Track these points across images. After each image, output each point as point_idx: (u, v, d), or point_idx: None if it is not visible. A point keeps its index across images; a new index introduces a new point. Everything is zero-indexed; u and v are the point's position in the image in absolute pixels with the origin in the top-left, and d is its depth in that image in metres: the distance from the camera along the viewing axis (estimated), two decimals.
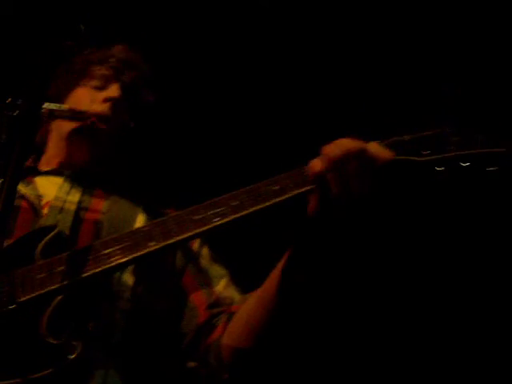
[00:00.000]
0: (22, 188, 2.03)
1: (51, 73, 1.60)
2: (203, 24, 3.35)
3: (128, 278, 1.88)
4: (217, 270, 2.08)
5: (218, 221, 1.62)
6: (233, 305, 1.97)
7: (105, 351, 1.77)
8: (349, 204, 1.59)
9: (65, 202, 2.03)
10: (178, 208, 2.16)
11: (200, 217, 1.64)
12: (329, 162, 1.57)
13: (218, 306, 1.98)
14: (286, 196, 1.64)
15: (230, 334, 1.86)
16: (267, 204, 1.62)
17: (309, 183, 1.62)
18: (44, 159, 2.24)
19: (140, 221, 2.06)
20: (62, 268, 1.64)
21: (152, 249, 1.62)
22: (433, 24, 3.15)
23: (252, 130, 3.41)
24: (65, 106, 2.09)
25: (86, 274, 1.62)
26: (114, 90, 2.18)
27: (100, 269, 1.62)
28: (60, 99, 2.17)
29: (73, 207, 2.01)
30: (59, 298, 1.60)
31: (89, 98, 2.17)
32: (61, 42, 1.60)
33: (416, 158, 1.67)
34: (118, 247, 1.65)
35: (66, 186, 2.09)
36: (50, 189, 2.08)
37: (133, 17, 3.26)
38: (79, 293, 1.67)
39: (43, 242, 1.77)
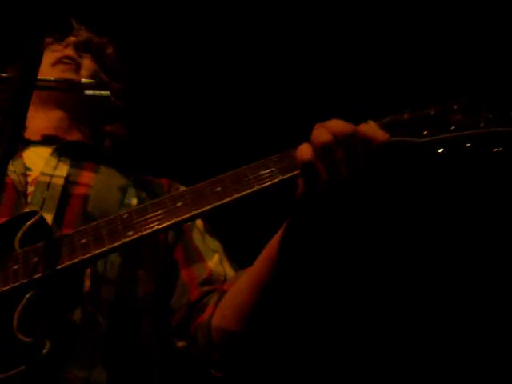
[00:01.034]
0: None
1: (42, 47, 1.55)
2: (203, 23, 3.28)
3: (114, 259, 1.82)
4: (210, 244, 2.02)
5: (199, 210, 1.51)
6: (226, 282, 1.91)
7: (89, 343, 1.71)
8: (338, 187, 1.49)
9: (52, 176, 1.96)
10: (170, 178, 2.15)
11: (181, 204, 1.54)
12: (317, 149, 1.45)
13: (209, 283, 1.92)
14: (273, 182, 1.53)
15: (220, 315, 1.79)
16: (251, 190, 1.51)
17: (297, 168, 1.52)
18: (29, 130, 2.18)
19: (131, 195, 2.01)
20: (37, 259, 1.55)
21: (129, 239, 1.52)
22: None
23: (245, 107, 3.35)
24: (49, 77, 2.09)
25: (60, 266, 1.53)
26: (68, 50, 2.22)
27: (74, 260, 1.52)
28: None
29: (60, 182, 1.95)
30: (32, 291, 1.52)
31: (47, 62, 2.17)
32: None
33: (415, 139, 1.54)
34: (93, 236, 1.55)
35: (53, 159, 2.03)
36: (37, 161, 2.03)
37: (133, 16, 3.19)
38: (56, 284, 1.57)
39: (22, 230, 1.68)
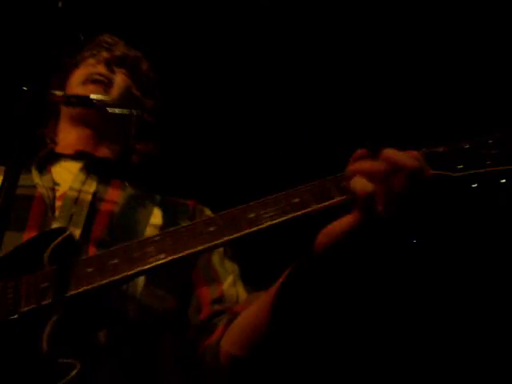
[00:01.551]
0: (36, 178, 2.01)
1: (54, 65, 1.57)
2: (203, 23, 3.29)
3: (138, 278, 1.80)
4: (227, 266, 2.03)
5: (223, 240, 1.51)
6: (238, 304, 1.91)
7: (111, 364, 1.71)
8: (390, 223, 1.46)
9: (80, 192, 1.99)
10: (198, 200, 2.15)
11: (212, 229, 1.53)
12: (378, 181, 1.44)
13: (221, 302, 1.93)
14: (309, 210, 1.52)
15: (229, 339, 1.79)
16: (284, 218, 1.50)
17: (336, 198, 1.50)
18: (61, 144, 2.23)
19: (156, 215, 2.02)
20: (66, 277, 1.55)
21: (160, 262, 1.52)
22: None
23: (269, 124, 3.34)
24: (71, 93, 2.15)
25: (90, 287, 1.52)
26: (100, 66, 2.24)
27: (105, 281, 1.52)
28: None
29: (88, 197, 1.97)
30: (61, 310, 1.52)
31: (78, 80, 2.21)
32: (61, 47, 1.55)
33: (449, 173, 1.53)
34: (124, 258, 1.55)
35: (82, 175, 2.05)
36: (66, 176, 2.06)
37: (133, 17, 3.20)
38: (84, 304, 1.58)
39: (51, 247, 1.68)
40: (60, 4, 1.53)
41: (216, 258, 2.04)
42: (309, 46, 3.33)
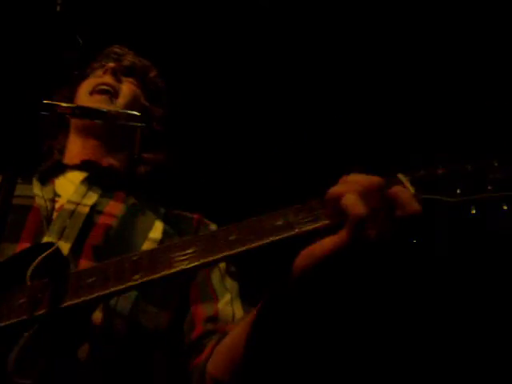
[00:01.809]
0: (36, 189, 2.00)
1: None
2: (203, 23, 3.25)
3: (130, 293, 1.77)
4: (226, 284, 1.98)
5: (209, 258, 1.44)
6: (232, 323, 1.85)
7: (97, 378, 1.68)
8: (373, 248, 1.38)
9: (78, 205, 1.96)
10: (204, 214, 2.09)
11: (181, 258, 1.47)
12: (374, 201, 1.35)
13: (214, 321, 1.87)
14: (293, 233, 1.43)
15: (214, 362, 1.73)
16: (268, 241, 1.42)
17: (322, 222, 1.42)
18: (67, 155, 2.23)
19: (156, 229, 1.99)
20: (42, 295, 1.51)
21: (134, 283, 1.46)
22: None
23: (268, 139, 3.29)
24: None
25: (63, 305, 1.47)
26: (106, 76, 2.23)
27: (78, 300, 1.47)
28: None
29: (85, 210, 1.95)
30: (33, 328, 1.47)
31: (85, 91, 2.21)
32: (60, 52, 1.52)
33: (447, 199, 1.43)
34: (100, 276, 1.50)
35: (83, 188, 2.03)
36: (67, 188, 2.04)
37: (132, 20, 3.19)
38: (60, 321, 1.53)
39: (35, 262, 1.64)
40: (58, 8, 1.50)
41: (216, 274, 1.99)
42: (308, 47, 3.27)
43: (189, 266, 1.45)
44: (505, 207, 1.43)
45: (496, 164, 1.47)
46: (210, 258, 1.44)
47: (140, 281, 1.45)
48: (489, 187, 1.43)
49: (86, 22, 1.54)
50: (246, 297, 1.98)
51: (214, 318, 1.88)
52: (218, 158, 3.31)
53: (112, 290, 1.46)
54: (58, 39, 1.51)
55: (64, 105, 2.11)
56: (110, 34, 2.38)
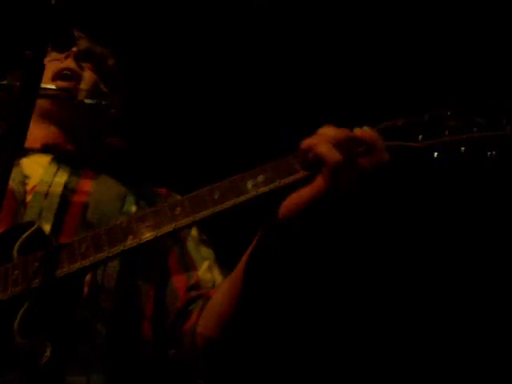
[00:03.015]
0: None
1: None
2: (203, 24, 3.30)
3: (113, 268, 1.82)
4: (202, 252, 2.03)
5: (198, 216, 1.52)
6: (214, 288, 1.91)
7: (88, 349, 1.71)
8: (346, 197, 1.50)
9: (51, 185, 1.98)
10: (169, 188, 2.15)
11: (179, 210, 1.54)
12: (345, 150, 1.46)
13: (197, 288, 1.93)
14: (272, 187, 1.53)
15: (203, 322, 1.80)
16: (249, 196, 1.52)
17: (299, 173, 1.52)
18: (28, 138, 2.15)
19: (130, 203, 2.03)
20: (36, 266, 1.56)
21: (129, 246, 1.52)
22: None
23: (240, 113, 3.36)
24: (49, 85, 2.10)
25: (59, 273, 1.53)
26: (68, 61, 2.20)
27: (74, 267, 1.53)
28: None
29: (59, 190, 1.97)
30: (32, 298, 1.52)
31: (47, 75, 2.14)
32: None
33: (410, 144, 1.57)
34: (93, 243, 1.56)
35: (53, 167, 2.05)
36: (36, 169, 2.04)
37: (129, 14, 3.21)
38: (56, 291, 1.58)
39: (20, 240, 1.68)
40: (53, 1, 1.53)
41: (191, 244, 2.04)
42: (308, 47, 3.35)
43: (179, 225, 1.53)
44: (462, 149, 1.58)
45: (449, 112, 1.62)
46: (199, 215, 1.52)
47: (134, 242, 1.52)
48: (445, 132, 1.58)
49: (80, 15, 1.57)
50: (221, 263, 2.07)
51: (196, 286, 1.93)
52: (178, 133, 3.35)
53: (108, 253, 1.52)
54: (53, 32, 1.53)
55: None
56: (104, 26, 2.38)
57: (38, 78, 1.47)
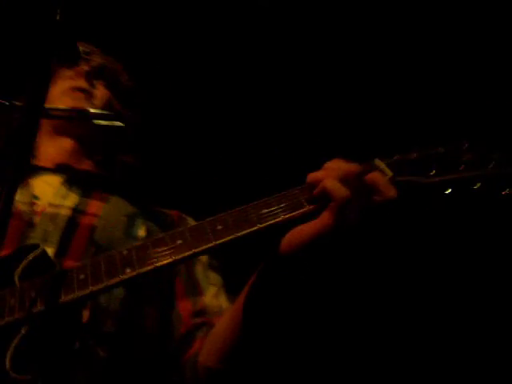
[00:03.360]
0: None
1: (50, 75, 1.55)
2: (203, 24, 3.26)
3: (118, 292, 1.79)
4: (210, 278, 2.00)
5: (198, 248, 1.48)
6: (219, 315, 1.87)
7: (88, 374, 1.68)
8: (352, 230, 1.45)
9: (59, 207, 1.96)
10: (181, 210, 2.12)
11: (181, 242, 1.50)
12: (353, 185, 1.43)
13: (202, 314, 1.90)
14: (280, 220, 1.49)
15: (205, 352, 1.76)
16: (252, 229, 1.47)
17: (305, 207, 1.48)
18: (40, 157, 2.19)
19: (139, 227, 2.00)
20: (34, 294, 1.53)
21: (127, 277, 1.49)
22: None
23: (250, 134, 3.32)
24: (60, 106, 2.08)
25: (56, 302, 1.50)
26: (80, 80, 2.19)
27: (71, 297, 1.49)
28: None
29: (67, 213, 1.94)
30: (27, 326, 1.49)
31: (58, 91, 2.16)
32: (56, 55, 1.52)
33: (423, 179, 1.51)
34: (91, 272, 1.52)
35: (63, 189, 2.03)
36: (46, 190, 2.03)
37: (132, 28, 3.20)
38: (52, 319, 1.55)
39: (23, 264, 1.66)
40: (58, 17, 1.51)
41: (199, 269, 2.01)
42: (308, 48, 3.31)
43: (178, 257, 1.49)
44: (477, 186, 1.51)
45: (466, 146, 1.56)
46: (200, 248, 1.48)
47: (132, 274, 1.49)
48: (460, 168, 1.51)
49: (85, 31, 1.55)
50: (229, 290, 2.03)
51: (201, 312, 1.90)
52: (191, 155, 3.33)
53: (105, 284, 1.49)
54: (57, 48, 1.52)
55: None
56: (108, 42, 2.36)
57: (43, 96, 1.44)
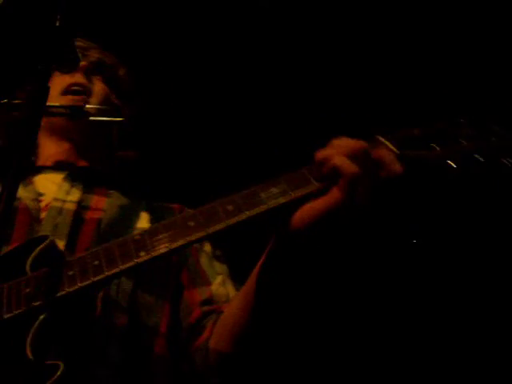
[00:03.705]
0: (19, 190, 1.96)
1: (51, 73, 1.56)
2: (203, 24, 3.29)
3: (126, 286, 1.81)
4: (215, 267, 2.01)
5: (211, 229, 1.50)
6: (227, 302, 1.89)
7: (101, 367, 1.69)
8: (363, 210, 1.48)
9: (64, 202, 1.97)
10: (182, 203, 2.13)
11: (193, 224, 1.53)
12: (361, 162, 1.44)
13: (210, 303, 1.91)
14: (286, 200, 1.51)
15: (216, 338, 1.77)
16: (264, 209, 1.50)
17: (314, 185, 1.50)
18: (40, 156, 2.21)
19: (143, 219, 2.01)
20: (48, 282, 1.54)
21: (141, 260, 1.51)
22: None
23: (251, 127, 3.34)
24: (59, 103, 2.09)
25: (72, 289, 1.51)
26: (78, 76, 2.19)
27: (86, 282, 1.51)
28: None
29: (73, 207, 1.96)
30: (45, 313, 1.50)
31: (56, 90, 2.15)
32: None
33: (425, 153, 1.54)
34: (105, 258, 1.54)
35: (66, 184, 2.04)
36: (49, 187, 2.04)
37: (134, 16, 3.20)
38: (69, 306, 1.56)
39: (33, 254, 1.67)
40: (58, 23, 1.52)
41: (204, 259, 2.02)
42: (308, 48, 3.34)
43: (194, 237, 1.51)
44: (477, 157, 1.55)
45: (463, 120, 1.60)
46: (213, 228, 1.50)
47: (147, 257, 1.50)
48: (462, 141, 1.56)
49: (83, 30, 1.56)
50: (235, 278, 2.05)
51: (209, 301, 1.91)
52: (191, 150, 3.35)
53: (120, 268, 1.51)
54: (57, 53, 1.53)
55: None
56: (107, 39, 2.37)
57: (44, 100, 1.46)
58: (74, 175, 2.08)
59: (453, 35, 2.95)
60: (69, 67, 2.22)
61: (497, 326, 3.35)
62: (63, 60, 2.00)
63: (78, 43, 2.27)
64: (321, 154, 1.50)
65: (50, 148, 2.20)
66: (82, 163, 2.20)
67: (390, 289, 3.47)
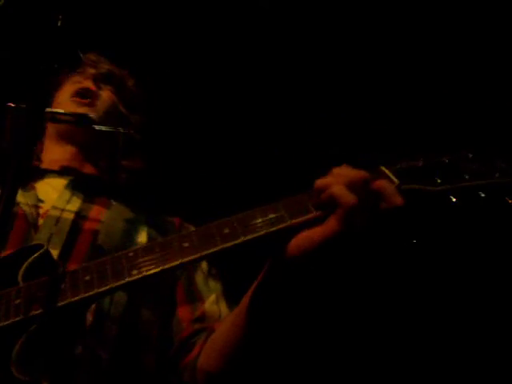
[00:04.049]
0: (19, 195, 1.96)
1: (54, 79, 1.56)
2: (203, 25, 3.27)
3: (120, 298, 1.80)
4: (210, 285, 2.01)
5: (205, 252, 1.48)
6: (219, 320, 1.89)
7: (90, 378, 1.69)
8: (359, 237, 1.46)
9: (63, 211, 1.97)
10: (182, 217, 2.12)
11: (187, 245, 1.51)
12: (360, 192, 1.43)
13: (202, 320, 1.91)
14: (282, 226, 1.49)
15: (205, 357, 1.77)
16: (258, 234, 1.48)
17: (312, 213, 1.48)
18: (46, 160, 2.23)
19: (142, 233, 2.00)
20: (39, 294, 1.53)
21: (133, 279, 1.49)
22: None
23: (254, 140, 3.33)
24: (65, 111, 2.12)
25: (62, 303, 1.50)
26: (87, 82, 2.24)
27: (76, 298, 1.49)
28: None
29: (70, 216, 1.96)
30: (33, 326, 1.49)
31: (65, 96, 2.22)
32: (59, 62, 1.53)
33: (429, 188, 1.52)
34: (97, 274, 1.52)
35: (67, 193, 2.05)
36: (50, 194, 2.05)
37: (134, 18, 3.20)
38: (57, 319, 1.55)
39: (26, 263, 1.66)
40: (59, 23, 1.52)
41: (199, 276, 2.03)
42: (308, 49, 3.32)
43: (185, 260, 1.49)
44: (481, 194, 1.52)
45: (470, 155, 1.57)
46: (207, 251, 1.48)
47: (138, 276, 1.49)
48: (465, 176, 1.52)
49: (86, 37, 1.56)
50: (228, 297, 2.04)
51: (201, 319, 1.91)
52: (195, 161, 3.34)
53: (110, 286, 1.49)
54: (59, 53, 1.53)
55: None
56: (109, 48, 2.37)
57: (45, 101, 1.45)
58: (76, 182, 2.09)
59: (467, 62, 2.92)
60: (71, 66, 2.26)
61: (497, 326, 3.32)
62: (64, 59, 2.01)
63: (90, 56, 2.31)
64: (320, 182, 1.49)
65: (55, 153, 2.23)
66: (87, 169, 2.21)
67: (390, 289, 3.44)
